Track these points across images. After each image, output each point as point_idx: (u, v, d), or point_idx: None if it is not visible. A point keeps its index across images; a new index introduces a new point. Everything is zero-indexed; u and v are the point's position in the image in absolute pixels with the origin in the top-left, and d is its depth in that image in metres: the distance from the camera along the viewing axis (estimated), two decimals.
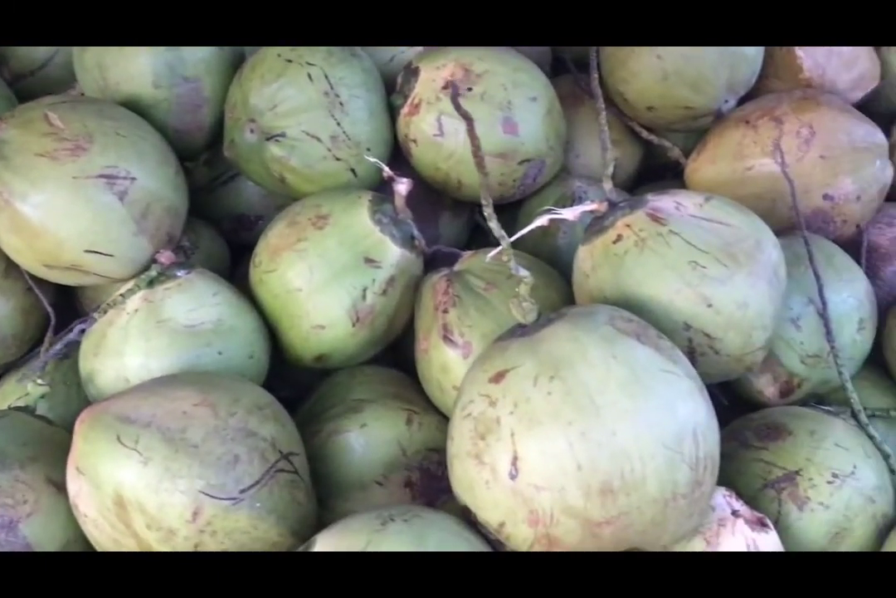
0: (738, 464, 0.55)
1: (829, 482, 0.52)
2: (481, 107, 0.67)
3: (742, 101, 0.76)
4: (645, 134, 0.79)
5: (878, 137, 0.71)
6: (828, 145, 0.68)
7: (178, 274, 0.60)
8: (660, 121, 0.77)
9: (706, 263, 0.52)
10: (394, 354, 0.67)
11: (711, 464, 0.46)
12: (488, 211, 0.48)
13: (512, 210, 0.77)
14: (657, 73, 0.72)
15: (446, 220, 0.75)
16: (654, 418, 0.44)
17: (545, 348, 0.47)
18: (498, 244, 0.50)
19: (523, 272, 0.48)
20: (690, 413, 0.45)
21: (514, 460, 0.44)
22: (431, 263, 0.68)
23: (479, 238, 0.78)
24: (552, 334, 0.47)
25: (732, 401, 0.65)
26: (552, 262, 0.67)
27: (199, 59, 0.67)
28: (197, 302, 0.58)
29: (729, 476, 0.55)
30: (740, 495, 0.51)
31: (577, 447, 0.43)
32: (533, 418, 0.44)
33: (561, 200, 0.72)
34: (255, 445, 0.48)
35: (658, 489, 0.43)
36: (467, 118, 0.55)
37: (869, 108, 0.81)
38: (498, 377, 0.47)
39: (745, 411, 0.62)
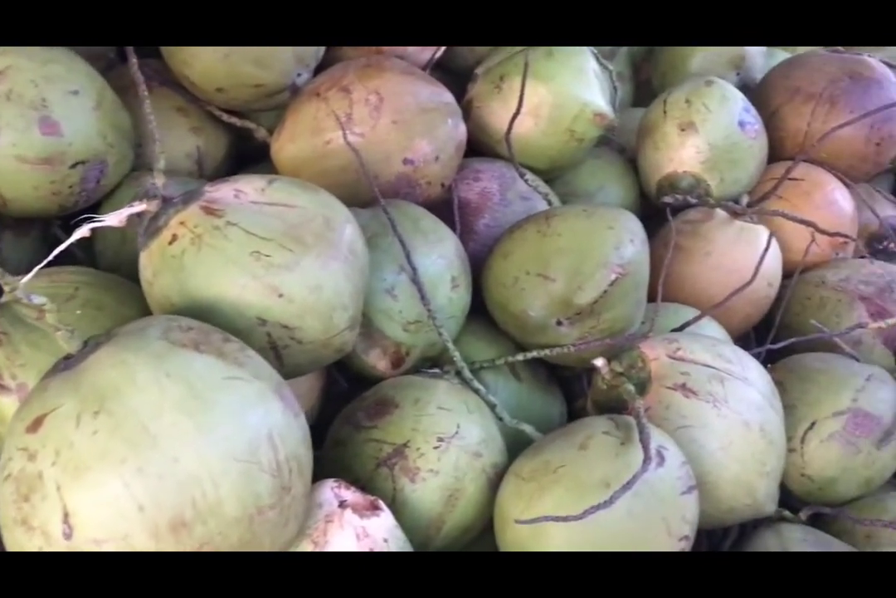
0: (353, 448, 0.54)
1: (435, 448, 0.52)
2: (9, 108, 0.59)
3: (317, 72, 0.74)
4: (225, 117, 0.74)
5: (446, 96, 0.72)
6: (398, 110, 0.68)
7: None
8: (235, 102, 0.72)
9: (270, 251, 0.49)
10: None
11: (297, 465, 0.43)
12: None
13: None
14: (217, 52, 0.67)
15: (9, 240, 0.65)
16: (220, 433, 0.40)
17: (88, 379, 0.41)
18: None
19: (38, 300, 0.42)
20: (262, 417, 0.42)
21: (66, 516, 0.38)
22: None
23: (61, 255, 0.69)
24: (96, 362, 0.42)
25: (353, 382, 0.64)
26: (135, 272, 0.60)
27: None
28: None
29: (346, 462, 0.54)
30: (356, 481, 0.49)
31: (134, 486, 0.38)
32: (79, 465, 0.38)
33: (136, 200, 0.65)
34: None
35: (239, 508, 0.40)
36: None
37: (445, 66, 0.84)
38: (35, 425, 0.40)
39: (367, 389, 0.61)
